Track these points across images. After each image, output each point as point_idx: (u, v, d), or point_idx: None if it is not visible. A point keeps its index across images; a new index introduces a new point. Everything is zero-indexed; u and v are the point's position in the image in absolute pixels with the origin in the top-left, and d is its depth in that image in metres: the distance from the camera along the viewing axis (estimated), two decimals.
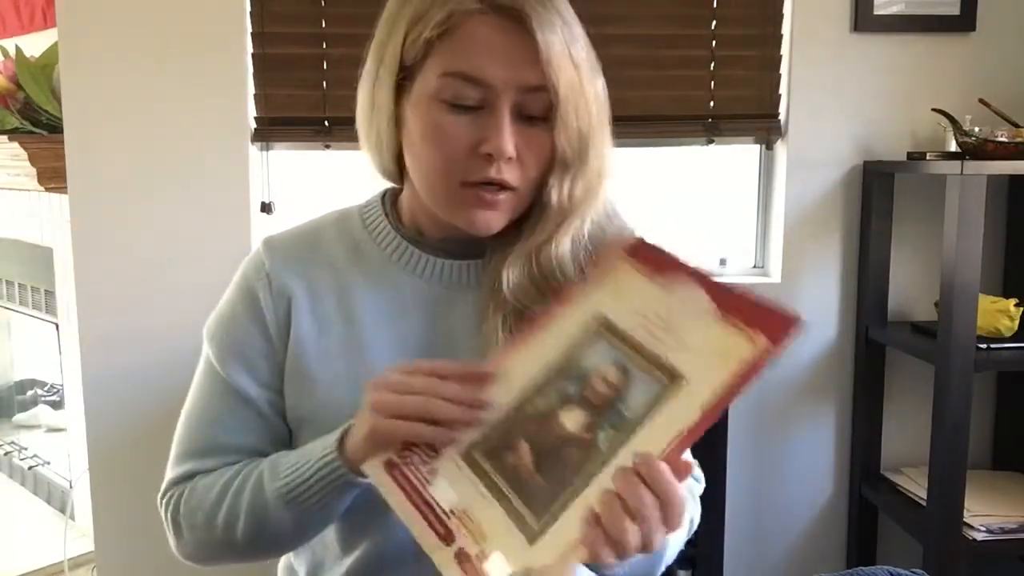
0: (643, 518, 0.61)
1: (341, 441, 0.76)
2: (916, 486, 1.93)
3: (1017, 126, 1.83)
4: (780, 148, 2.07)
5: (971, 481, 1.76)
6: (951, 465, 1.73)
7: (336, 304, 0.87)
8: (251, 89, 1.98)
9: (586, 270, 0.82)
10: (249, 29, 1.96)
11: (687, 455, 0.93)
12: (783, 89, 2.04)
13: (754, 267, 2.17)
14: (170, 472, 0.89)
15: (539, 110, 0.78)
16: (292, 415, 0.88)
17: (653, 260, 0.74)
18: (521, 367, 0.73)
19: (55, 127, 2.22)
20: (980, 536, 1.75)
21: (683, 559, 1.80)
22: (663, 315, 0.69)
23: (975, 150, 1.76)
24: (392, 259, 0.88)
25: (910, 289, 2.07)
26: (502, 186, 0.79)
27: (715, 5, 2.00)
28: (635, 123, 1.99)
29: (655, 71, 2.00)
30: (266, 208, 2.09)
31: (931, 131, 1.99)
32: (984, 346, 1.75)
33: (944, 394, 1.71)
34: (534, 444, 0.69)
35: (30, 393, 3.25)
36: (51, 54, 2.28)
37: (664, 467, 0.62)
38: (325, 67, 1.97)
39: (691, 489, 0.93)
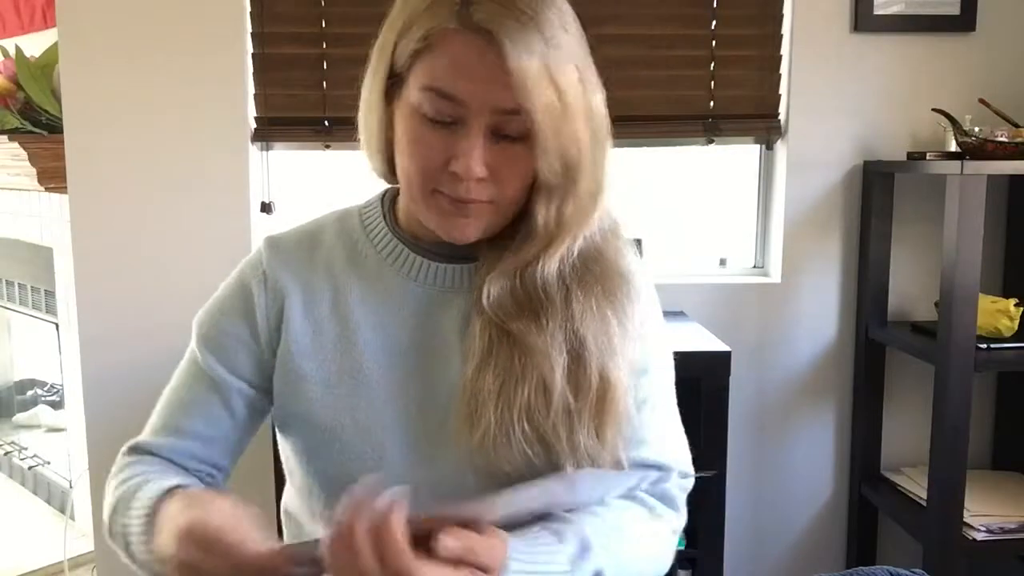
0: None
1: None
2: (916, 486, 1.93)
3: (1017, 126, 1.83)
4: (780, 148, 2.07)
5: (971, 481, 1.76)
6: (951, 465, 1.73)
7: (331, 305, 0.88)
8: (251, 89, 1.98)
9: (571, 288, 0.82)
10: (249, 29, 1.96)
11: (684, 445, 0.92)
12: (783, 89, 2.04)
13: (754, 267, 2.17)
14: (137, 439, 0.92)
15: (517, 131, 0.76)
16: (280, 412, 0.89)
17: None
18: None
19: (55, 127, 2.22)
20: (980, 536, 1.74)
21: (683, 559, 1.80)
22: None
23: (975, 150, 1.76)
24: (387, 261, 0.88)
25: (910, 289, 2.07)
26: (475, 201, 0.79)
27: (715, 5, 2.00)
28: (635, 123, 1.99)
29: (655, 71, 2.00)
30: (266, 208, 2.09)
31: (931, 131, 1.99)
32: (984, 346, 1.75)
33: (944, 394, 1.71)
34: None
35: (30, 393, 3.25)
36: (51, 54, 2.28)
37: None
38: (325, 67, 1.97)
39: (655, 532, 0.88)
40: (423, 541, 0.65)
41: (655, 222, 2.17)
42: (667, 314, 0.91)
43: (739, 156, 2.15)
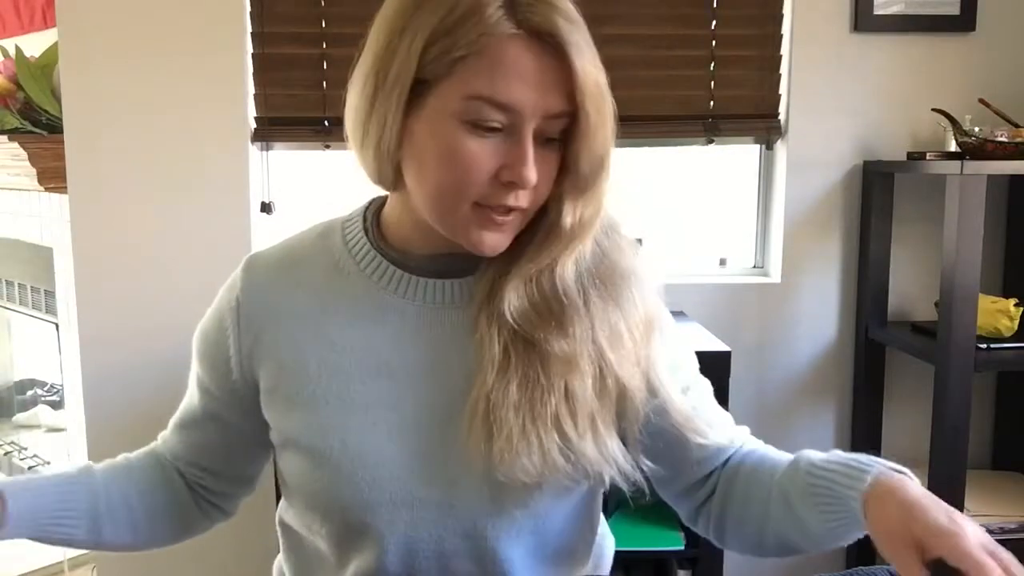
0: None
1: None
2: None
3: (1017, 126, 1.83)
4: (780, 148, 2.07)
5: (971, 481, 1.76)
6: (951, 465, 1.73)
7: (313, 327, 0.85)
8: (251, 89, 1.98)
9: (588, 291, 0.81)
10: (249, 29, 1.96)
11: (724, 412, 0.94)
12: (783, 89, 2.04)
13: (754, 267, 2.17)
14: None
15: (556, 133, 0.76)
16: (278, 436, 0.87)
17: None
18: None
19: (55, 127, 2.22)
20: None
21: (683, 559, 1.79)
22: None
23: (975, 150, 1.76)
24: (372, 279, 0.85)
25: (910, 289, 2.07)
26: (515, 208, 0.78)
27: (715, 5, 2.00)
28: (635, 123, 1.99)
29: (655, 71, 2.00)
30: (266, 208, 2.09)
31: (931, 131, 1.99)
32: (984, 346, 1.75)
33: (944, 394, 1.71)
34: None
35: (30, 393, 3.24)
36: (51, 54, 2.28)
37: None
38: (325, 67, 1.97)
39: None
40: None
41: (655, 222, 2.17)
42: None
43: (739, 156, 2.15)
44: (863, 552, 2.09)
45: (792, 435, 2.10)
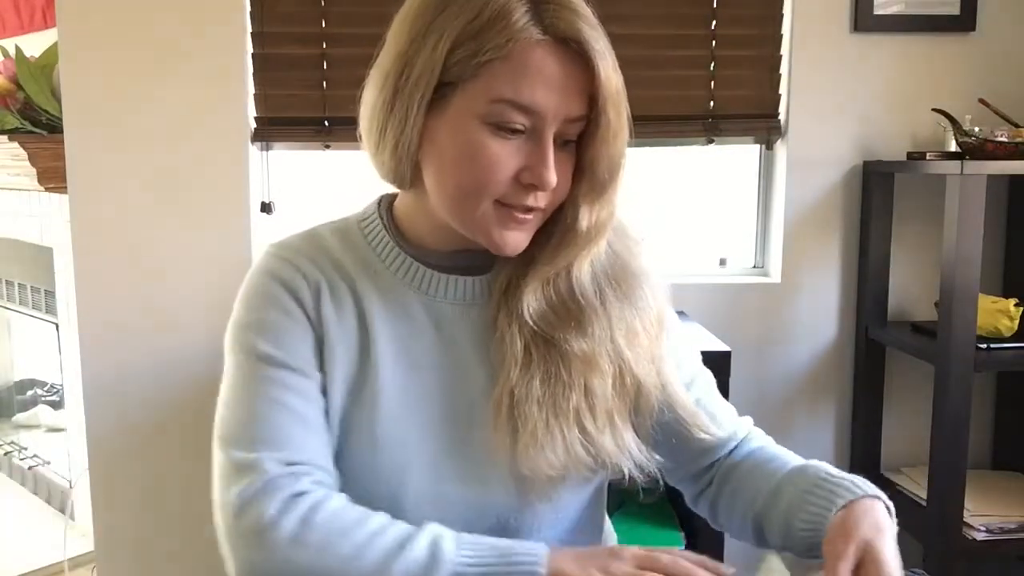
0: None
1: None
2: (916, 486, 1.93)
3: (1017, 126, 1.83)
4: (780, 148, 2.07)
5: (971, 481, 1.76)
6: (951, 465, 1.73)
7: (353, 308, 0.84)
8: (251, 89, 1.98)
9: (604, 292, 0.83)
10: (249, 29, 1.96)
11: (727, 403, 1.00)
12: (783, 89, 2.04)
13: (754, 267, 2.17)
14: (261, 464, 0.75)
15: (574, 136, 0.79)
16: None
17: None
18: None
19: (55, 127, 2.22)
20: (980, 536, 1.75)
21: None
22: None
23: (975, 150, 1.76)
24: (398, 275, 0.86)
25: (910, 289, 2.07)
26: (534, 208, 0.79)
27: (715, 5, 2.00)
28: (635, 123, 1.98)
29: (655, 71, 2.00)
30: (266, 208, 2.09)
31: (931, 131, 1.99)
32: (984, 346, 1.75)
33: (944, 394, 1.71)
34: None
35: (30, 393, 3.25)
36: (51, 54, 2.28)
37: None
38: (325, 67, 1.97)
39: None
40: None
41: (655, 222, 2.17)
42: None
43: (739, 156, 2.15)
44: None
45: (792, 435, 2.10)
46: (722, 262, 2.18)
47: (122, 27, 1.93)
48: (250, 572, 0.73)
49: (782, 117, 2.05)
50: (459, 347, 0.85)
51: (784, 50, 2.03)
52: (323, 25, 1.96)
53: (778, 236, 2.08)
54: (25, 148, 2.21)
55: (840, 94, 2.02)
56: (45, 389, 3.18)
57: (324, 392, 0.82)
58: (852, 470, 2.15)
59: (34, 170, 2.23)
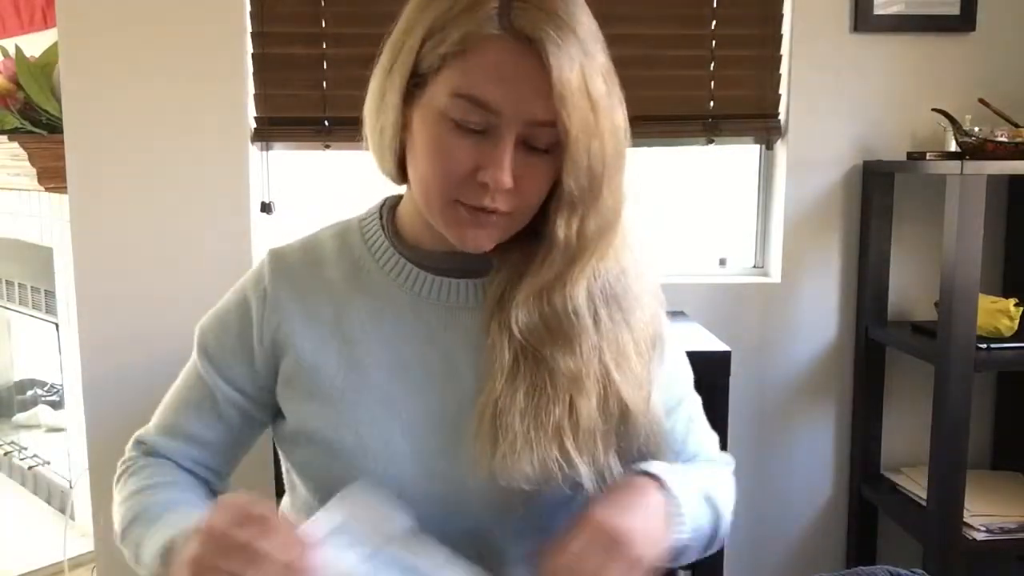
0: None
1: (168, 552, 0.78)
2: (916, 486, 1.93)
3: (1017, 126, 1.83)
4: (780, 148, 2.07)
5: (971, 481, 1.76)
6: (951, 465, 1.73)
7: (333, 322, 0.86)
8: (251, 89, 1.98)
9: (599, 311, 0.81)
10: (249, 29, 1.96)
11: (709, 432, 0.97)
12: (783, 89, 2.04)
13: (754, 267, 2.17)
14: (142, 432, 0.95)
15: (546, 143, 0.76)
16: (283, 428, 0.89)
17: None
18: None
19: (55, 127, 2.22)
20: (980, 536, 1.74)
21: None
22: None
23: (975, 150, 1.76)
24: (391, 276, 0.86)
25: (910, 289, 2.07)
26: (496, 211, 0.77)
27: (715, 5, 2.00)
28: (635, 123, 1.98)
29: (655, 71, 2.00)
30: (266, 208, 2.09)
31: (931, 131, 1.99)
32: (984, 346, 1.75)
33: (944, 394, 1.71)
34: None
35: (30, 393, 3.24)
36: (51, 54, 2.28)
37: None
38: (325, 67, 1.97)
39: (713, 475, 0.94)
40: None
41: (655, 222, 2.17)
42: (667, 314, 0.92)
43: (739, 156, 2.15)
44: (863, 552, 2.09)
45: (792, 435, 2.10)
46: (722, 262, 2.18)
47: (122, 27, 1.93)
48: None
49: (782, 117, 2.05)
50: (451, 352, 0.85)
51: (784, 50, 2.03)
52: (323, 25, 1.96)
53: (778, 236, 2.08)
54: (25, 148, 2.21)
55: (840, 94, 2.02)
56: (45, 389, 3.18)
57: (266, 400, 0.89)
58: (852, 470, 2.16)
59: (34, 170, 2.23)
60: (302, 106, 1.99)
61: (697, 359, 0.97)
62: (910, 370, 2.06)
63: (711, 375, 1.62)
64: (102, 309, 1.99)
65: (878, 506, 2.04)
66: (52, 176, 2.21)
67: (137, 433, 0.95)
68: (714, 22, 2.01)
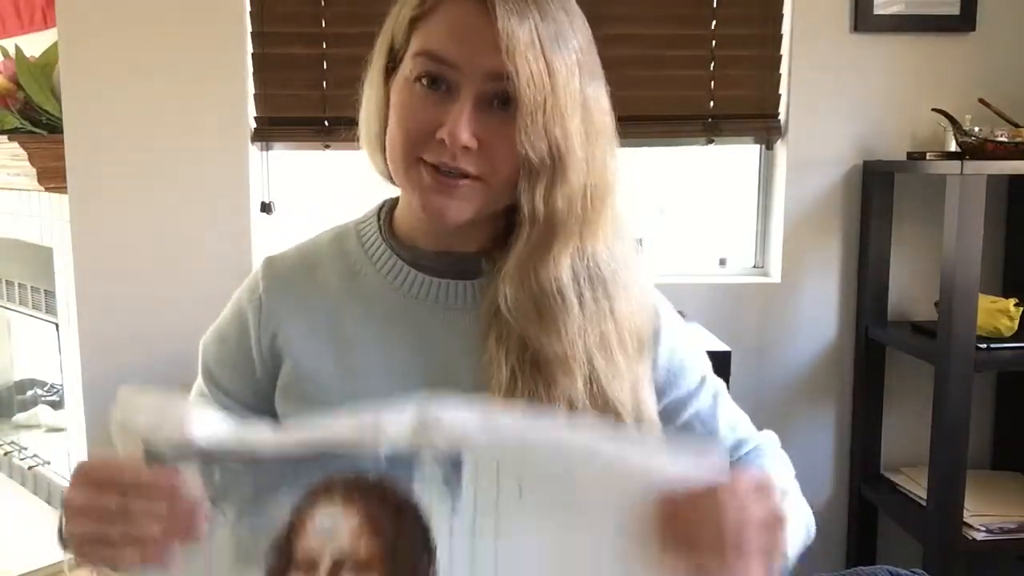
0: None
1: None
2: (916, 486, 1.93)
3: (1017, 126, 1.83)
4: (780, 148, 2.07)
5: (971, 481, 1.76)
6: (951, 465, 1.73)
7: (330, 328, 0.85)
8: (251, 89, 1.98)
9: (584, 295, 0.79)
10: (249, 29, 1.96)
11: (739, 412, 1.02)
12: (783, 89, 2.04)
13: (754, 267, 2.17)
14: None
15: (506, 101, 0.75)
16: None
17: None
18: None
19: (55, 127, 2.22)
20: (980, 536, 1.74)
21: None
22: None
23: (975, 150, 1.76)
24: (387, 279, 0.86)
25: (910, 289, 2.07)
26: (463, 174, 0.77)
27: (715, 5, 2.00)
28: (635, 123, 1.99)
29: (655, 71, 2.00)
30: (266, 208, 2.09)
31: (931, 131, 1.99)
32: (984, 346, 1.75)
33: (944, 394, 1.71)
34: None
35: (30, 393, 3.24)
36: (51, 54, 2.28)
37: None
38: (325, 67, 1.97)
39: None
40: None
41: (655, 222, 2.17)
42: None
43: (739, 156, 2.15)
44: (863, 552, 2.09)
45: (792, 435, 2.09)
46: (722, 262, 2.18)
47: (122, 27, 1.93)
48: None
49: (782, 117, 2.05)
50: (448, 354, 0.84)
51: (784, 50, 2.03)
52: (323, 25, 1.96)
53: (778, 236, 2.08)
54: (25, 148, 2.20)
55: (840, 94, 2.02)
56: (45, 389, 3.18)
57: (269, 410, 0.87)
58: (852, 470, 2.16)
59: (34, 170, 2.23)
60: (302, 106, 1.99)
61: None
62: (910, 370, 2.06)
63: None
64: (102, 309, 1.99)
65: (878, 506, 2.04)
66: (52, 176, 2.21)
67: None
68: (714, 22, 2.01)
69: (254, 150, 2.02)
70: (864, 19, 1.98)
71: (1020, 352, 1.78)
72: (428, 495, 0.61)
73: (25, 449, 3.08)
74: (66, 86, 1.96)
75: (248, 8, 1.96)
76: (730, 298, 2.07)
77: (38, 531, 2.71)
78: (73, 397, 2.64)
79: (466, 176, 0.77)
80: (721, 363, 1.66)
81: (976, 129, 1.78)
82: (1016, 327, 1.80)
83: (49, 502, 2.90)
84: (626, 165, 0.84)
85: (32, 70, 2.29)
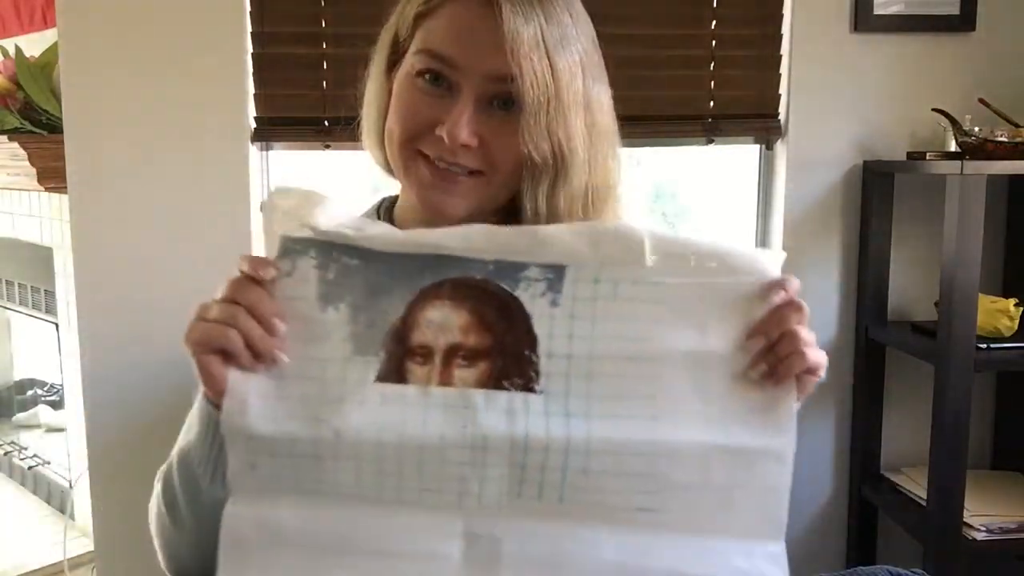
0: None
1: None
2: (916, 486, 1.93)
3: (1017, 126, 1.83)
4: (780, 148, 2.07)
5: (971, 481, 1.76)
6: (951, 465, 1.73)
7: None
8: (251, 89, 1.98)
9: None
10: (249, 29, 1.96)
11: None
12: (783, 89, 2.04)
13: None
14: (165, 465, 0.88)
15: (509, 103, 0.76)
16: None
17: None
18: None
19: (55, 127, 2.22)
20: (980, 536, 1.75)
21: None
22: None
23: (975, 150, 1.76)
24: None
25: (910, 289, 2.07)
26: (467, 170, 0.77)
27: (715, 5, 2.00)
28: (635, 123, 1.98)
29: (655, 71, 2.00)
30: None
31: (931, 131, 1.99)
32: (984, 346, 1.75)
33: (944, 394, 1.71)
34: None
35: (30, 393, 3.25)
36: (51, 54, 2.29)
37: None
38: (325, 67, 1.97)
39: None
40: None
41: (655, 222, 2.17)
42: None
43: (739, 156, 2.15)
44: (863, 552, 2.09)
45: None
46: None
47: (122, 27, 1.93)
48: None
49: (782, 117, 2.05)
50: None
51: (784, 50, 2.03)
52: (323, 25, 1.96)
53: (778, 236, 2.08)
54: (25, 148, 2.21)
55: (840, 94, 2.02)
56: (45, 389, 3.18)
57: None
58: (852, 470, 2.16)
59: (34, 170, 2.23)
60: (302, 106, 1.99)
61: None
62: (910, 370, 2.06)
63: None
64: (102, 309, 1.99)
65: (878, 506, 2.04)
66: (52, 176, 2.21)
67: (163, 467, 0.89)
68: (714, 22, 2.01)
69: (254, 150, 2.01)
70: (864, 19, 1.98)
71: (1020, 352, 1.78)
72: (531, 295, 0.66)
73: (25, 449, 3.08)
74: (66, 86, 1.96)
75: (248, 8, 1.96)
76: None
77: (38, 531, 2.72)
78: (73, 397, 2.64)
79: (466, 172, 0.77)
80: None
81: (976, 129, 1.78)
82: (1016, 327, 1.80)
83: (49, 502, 2.91)
84: (627, 165, 0.84)
85: (32, 70, 2.29)
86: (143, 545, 0.85)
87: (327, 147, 2.02)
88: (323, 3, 1.95)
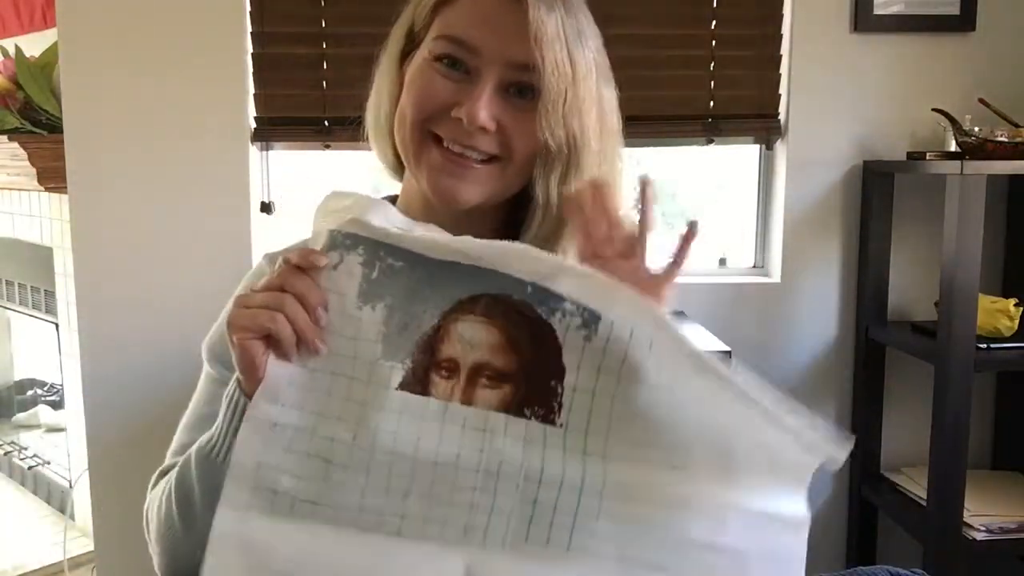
0: None
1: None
2: (916, 486, 1.93)
3: (1017, 126, 1.83)
4: (780, 148, 2.07)
5: (971, 481, 1.76)
6: (951, 465, 1.73)
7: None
8: (251, 89, 1.98)
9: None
10: (249, 29, 1.96)
11: None
12: (783, 89, 2.04)
13: (754, 267, 2.17)
14: (163, 466, 0.88)
15: (527, 90, 0.77)
16: None
17: None
18: None
19: (55, 127, 2.22)
20: (980, 536, 1.74)
21: None
22: None
23: (975, 150, 1.76)
24: None
25: (910, 289, 2.07)
26: (486, 156, 0.77)
27: (715, 5, 2.00)
28: (635, 123, 1.98)
29: (655, 71, 2.00)
30: (266, 208, 2.09)
31: (931, 131, 1.99)
32: (984, 346, 1.75)
33: (944, 394, 1.71)
34: None
35: (30, 393, 3.25)
36: (51, 54, 2.29)
37: None
38: (325, 67, 1.97)
39: None
40: None
41: (655, 222, 2.16)
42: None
43: (739, 156, 2.15)
44: (863, 552, 2.09)
45: None
46: (722, 262, 2.18)
47: (122, 27, 1.93)
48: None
49: (782, 117, 2.05)
50: None
51: (784, 50, 2.03)
52: (323, 25, 1.96)
53: (778, 236, 2.08)
54: (25, 148, 2.21)
55: (840, 94, 2.02)
56: (45, 389, 3.18)
57: None
58: (852, 470, 2.15)
59: (34, 170, 2.23)
60: (302, 106, 1.99)
61: None
62: (910, 370, 2.06)
63: None
64: (102, 309, 1.99)
65: (878, 506, 2.04)
66: (52, 176, 2.21)
67: (160, 468, 0.89)
68: (714, 22, 2.01)
69: (254, 150, 2.02)
70: (864, 19, 1.98)
71: (1020, 352, 1.78)
72: (565, 326, 0.64)
73: (25, 449, 3.08)
74: (66, 86, 1.96)
75: (248, 8, 1.96)
76: (730, 298, 2.07)
77: (38, 531, 2.72)
78: (73, 397, 2.64)
79: (482, 159, 0.77)
80: None
81: (976, 129, 1.78)
82: (1016, 327, 1.80)
83: (49, 502, 2.91)
84: (628, 166, 0.84)
85: (32, 70, 2.29)
86: (143, 545, 0.85)
87: (327, 147, 2.02)
88: (323, 3, 1.95)
